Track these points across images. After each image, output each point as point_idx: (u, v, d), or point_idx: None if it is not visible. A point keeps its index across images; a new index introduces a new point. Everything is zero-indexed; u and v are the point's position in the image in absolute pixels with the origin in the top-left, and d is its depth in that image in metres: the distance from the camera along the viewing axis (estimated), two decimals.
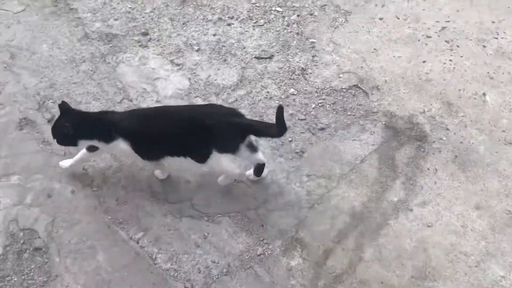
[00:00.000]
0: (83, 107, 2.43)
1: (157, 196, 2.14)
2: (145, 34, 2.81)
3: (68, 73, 2.60)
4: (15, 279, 1.90)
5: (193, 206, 2.10)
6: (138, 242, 2.00)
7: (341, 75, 2.59)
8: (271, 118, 2.27)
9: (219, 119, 1.86)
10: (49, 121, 2.37)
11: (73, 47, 2.74)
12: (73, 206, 2.11)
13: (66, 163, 2.17)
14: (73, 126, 1.95)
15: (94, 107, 2.45)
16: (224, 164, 1.91)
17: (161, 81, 2.59)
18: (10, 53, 2.69)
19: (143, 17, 2.91)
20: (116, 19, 2.89)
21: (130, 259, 1.95)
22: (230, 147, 1.88)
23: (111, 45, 2.75)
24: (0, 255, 1.95)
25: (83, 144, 2.06)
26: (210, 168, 2.00)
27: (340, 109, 2.44)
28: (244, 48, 2.74)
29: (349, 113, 2.42)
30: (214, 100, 2.47)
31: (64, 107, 2.04)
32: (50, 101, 2.47)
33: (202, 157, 1.91)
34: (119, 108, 2.43)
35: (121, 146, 1.97)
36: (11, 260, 1.94)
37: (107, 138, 1.97)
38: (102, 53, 2.70)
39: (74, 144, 2.03)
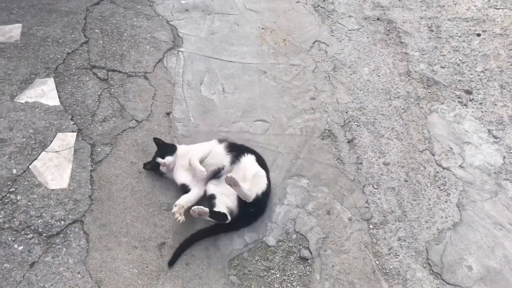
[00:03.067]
0: (384, 141, 2.41)
1: (432, 269, 1.97)
2: (468, 92, 2.63)
3: (379, 103, 2.61)
4: (277, 275, 1.98)
5: None
6: None
7: None
8: None
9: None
10: (348, 142, 2.42)
11: (392, 79, 2.74)
12: (346, 233, 2.10)
13: None
14: None
15: (395, 145, 2.39)
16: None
17: (470, 147, 2.38)
18: (334, 65, 2.84)
19: (471, 74, 2.73)
20: (442, 67, 2.78)
21: None
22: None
23: (429, 91, 2.66)
24: (272, 247, 2.06)
25: None
26: None
27: None
28: None
29: None
30: None
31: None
32: (355, 123, 2.51)
33: None
34: (417, 157, 2.32)
35: None
36: (279, 255, 2.03)
37: None
38: (418, 96, 2.63)
39: None
